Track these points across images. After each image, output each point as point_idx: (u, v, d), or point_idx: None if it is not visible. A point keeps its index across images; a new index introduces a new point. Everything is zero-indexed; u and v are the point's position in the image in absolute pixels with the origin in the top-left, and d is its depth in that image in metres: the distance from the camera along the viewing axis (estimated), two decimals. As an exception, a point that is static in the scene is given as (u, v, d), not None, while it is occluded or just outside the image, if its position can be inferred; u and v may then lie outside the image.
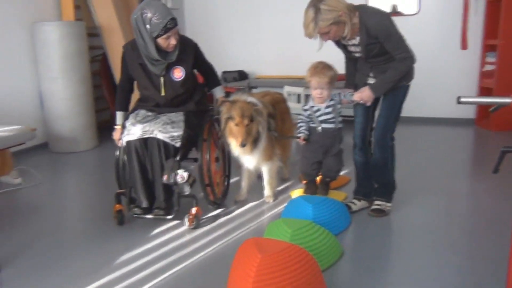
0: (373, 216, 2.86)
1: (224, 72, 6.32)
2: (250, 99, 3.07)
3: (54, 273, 2.39)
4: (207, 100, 3.26)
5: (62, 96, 4.71)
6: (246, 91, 5.33)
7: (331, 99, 3.01)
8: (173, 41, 2.77)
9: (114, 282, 2.28)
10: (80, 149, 4.88)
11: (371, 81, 2.82)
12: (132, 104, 3.13)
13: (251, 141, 3.01)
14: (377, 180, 3.01)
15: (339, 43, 2.80)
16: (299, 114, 3.17)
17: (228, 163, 3.43)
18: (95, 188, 3.85)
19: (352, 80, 2.97)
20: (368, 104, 2.80)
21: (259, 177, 3.50)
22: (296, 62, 6.16)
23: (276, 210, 3.17)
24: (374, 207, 2.90)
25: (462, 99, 1.61)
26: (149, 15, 2.67)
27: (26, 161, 4.34)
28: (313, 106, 3.05)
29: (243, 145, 2.95)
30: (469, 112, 5.94)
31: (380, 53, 2.65)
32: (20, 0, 4.65)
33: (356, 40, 2.68)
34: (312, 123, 3.08)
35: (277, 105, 3.44)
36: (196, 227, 2.86)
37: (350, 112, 3.22)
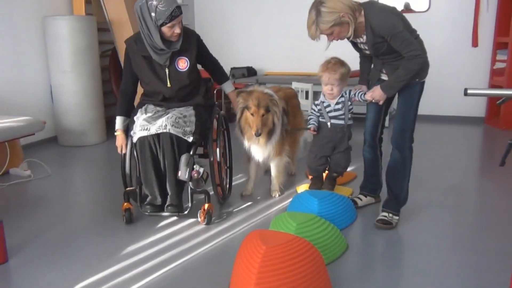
0: (379, 226, 2.75)
1: (233, 68, 6.32)
2: (267, 90, 3.08)
3: (61, 263, 2.41)
4: (214, 96, 3.24)
5: (72, 90, 4.75)
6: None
7: (341, 96, 3.00)
8: (177, 30, 2.75)
9: (120, 273, 2.30)
10: (89, 143, 4.92)
11: (384, 77, 2.76)
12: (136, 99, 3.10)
13: (266, 131, 3.02)
14: (391, 188, 2.84)
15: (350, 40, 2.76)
16: (306, 111, 3.17)
17: (230, 154, 3.42)
18: (103, 181, 3.88)
19: (365, 76, 2.93)
20: (381, 103, 2.74)
21: (267, 172, 3.51)
22: (305, 59, 6.20)
23: (282, 204, 3.18)
24: (380, 217, 2.80)
25: (469, 91, 1.60)
26: (154, 2, 2.66)
27: (36, 154, 4.39)
28: (323, 102, 3.05)
29: (258, 134, 2.96)
30: (478, 111, 5.90)
31: (389, 51, 2.57)
32: (31, -6, 4.72)
33: (364, 39, 2.62)
34: (322, 118, 3.08)
35: (290, 100, 3.44)
36: (208, 223, 2.85)
37: (360, 109, 3.20)
